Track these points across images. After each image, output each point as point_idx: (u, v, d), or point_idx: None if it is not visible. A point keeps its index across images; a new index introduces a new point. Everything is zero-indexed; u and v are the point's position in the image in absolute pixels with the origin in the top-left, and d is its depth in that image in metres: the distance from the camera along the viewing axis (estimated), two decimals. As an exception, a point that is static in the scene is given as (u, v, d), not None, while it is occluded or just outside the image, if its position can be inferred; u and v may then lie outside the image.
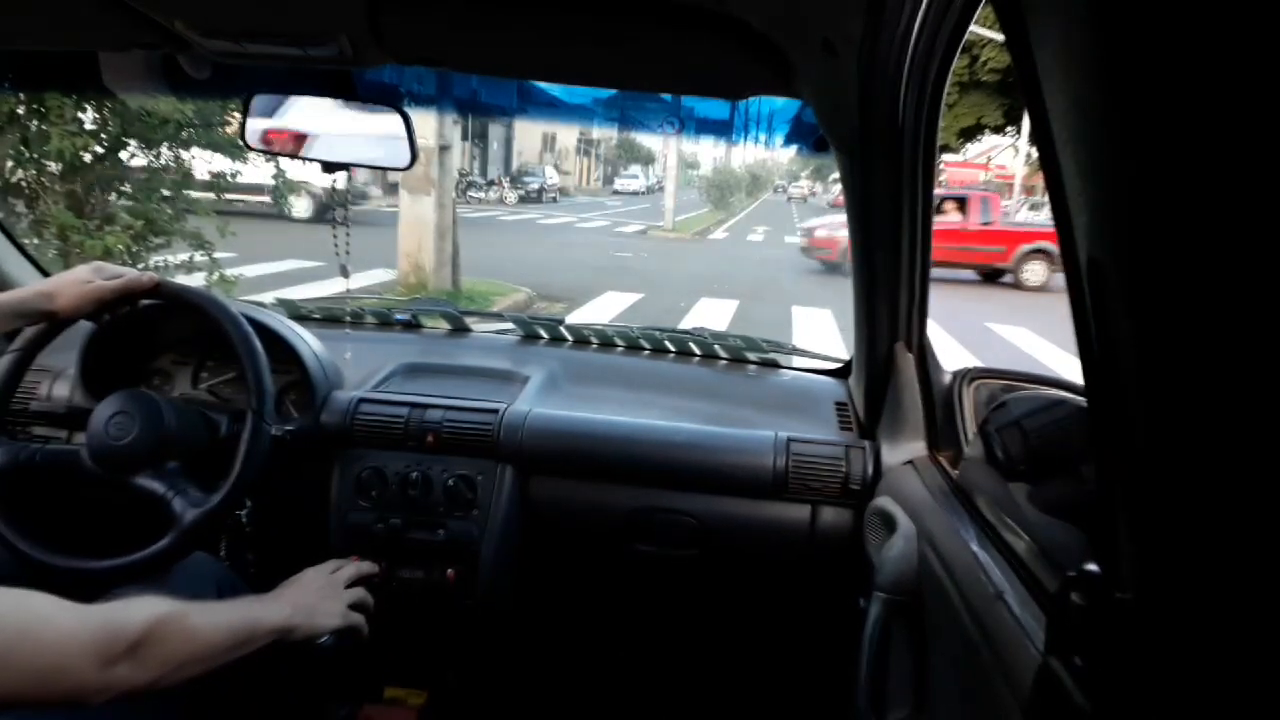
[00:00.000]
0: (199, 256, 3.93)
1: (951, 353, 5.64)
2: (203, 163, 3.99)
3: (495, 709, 1.47)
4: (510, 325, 1.63)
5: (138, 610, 0.73)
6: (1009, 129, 20.71)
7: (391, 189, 11.61)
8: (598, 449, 1.25)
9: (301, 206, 9.80)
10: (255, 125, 1.20)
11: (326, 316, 1.62)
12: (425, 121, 6.45)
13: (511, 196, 22.71)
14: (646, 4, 0.84)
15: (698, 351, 1.57)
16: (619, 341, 1.59)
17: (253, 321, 1.15)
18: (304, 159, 1.27)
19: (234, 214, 4.09)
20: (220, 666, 0.81)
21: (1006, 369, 1.14)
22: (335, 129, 1.21)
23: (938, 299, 1.14)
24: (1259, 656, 0.38)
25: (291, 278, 6.87)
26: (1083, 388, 0.45)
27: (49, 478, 1.11)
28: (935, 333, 1.17)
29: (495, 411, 1.26)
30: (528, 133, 30.56)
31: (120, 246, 3.56)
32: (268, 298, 1.68)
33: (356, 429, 1.25)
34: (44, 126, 3.41)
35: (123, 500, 1.06)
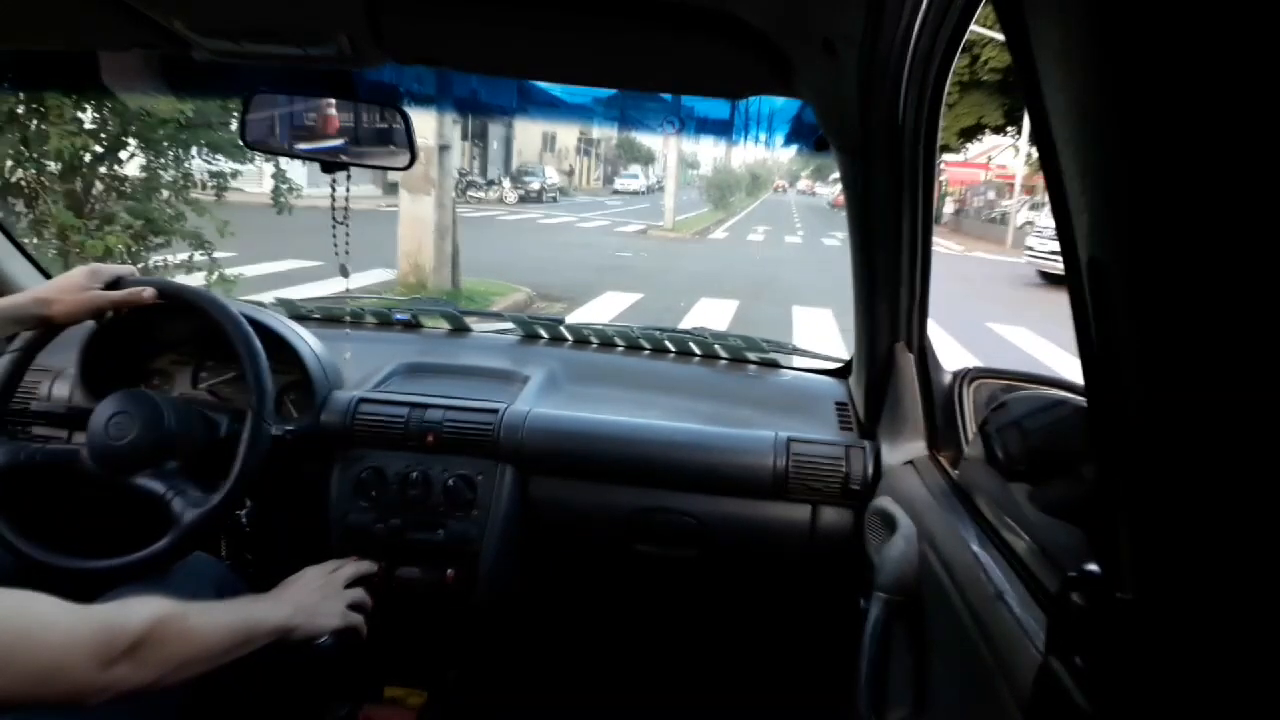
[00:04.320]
0: (199, 256, 3.93)
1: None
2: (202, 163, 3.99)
3: (495, 709, 1.47)
4: (510, 325, 1.63)
5: (137, 610, 0.73)
6: (1009, 129, 20.70)
7: (391, 189, 11.60)
8: (598, 449, 1.25)
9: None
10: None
11: (326, 316, 1.61)
12: (425, 121, 6.44)
13: (511, 196, 22.72)
14: (646, 4, 0.84)
15: (698, 351, 1.57)
16: (619, 341, 1.59)
17: (252, 321, 1.15)
18: (304, 158, 1.27)
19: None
20: (220, 666, 0.81)
21: (1007, 369, 1.14)
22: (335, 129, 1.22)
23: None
24: (1259, 656, 0.38)
25: (291, 277, 6.86)
26: (1083, 388, 0.45)
27: (49, 478, 1.11)
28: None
29: (495, 411, 1.26)
30: (527, 132, 30.56)
31: (120, 246, 3.56)
32: (267, 297, 1.68)
33: (356, 429, 1.25)
34: (43, 126, 3.41)
35: (122, 500, 1.06)
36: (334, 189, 1.26)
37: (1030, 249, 12.65)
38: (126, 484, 1.06)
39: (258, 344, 1.10)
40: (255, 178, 4.31)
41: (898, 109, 0.91)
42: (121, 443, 1.05)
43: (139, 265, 3.60)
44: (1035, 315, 8.19)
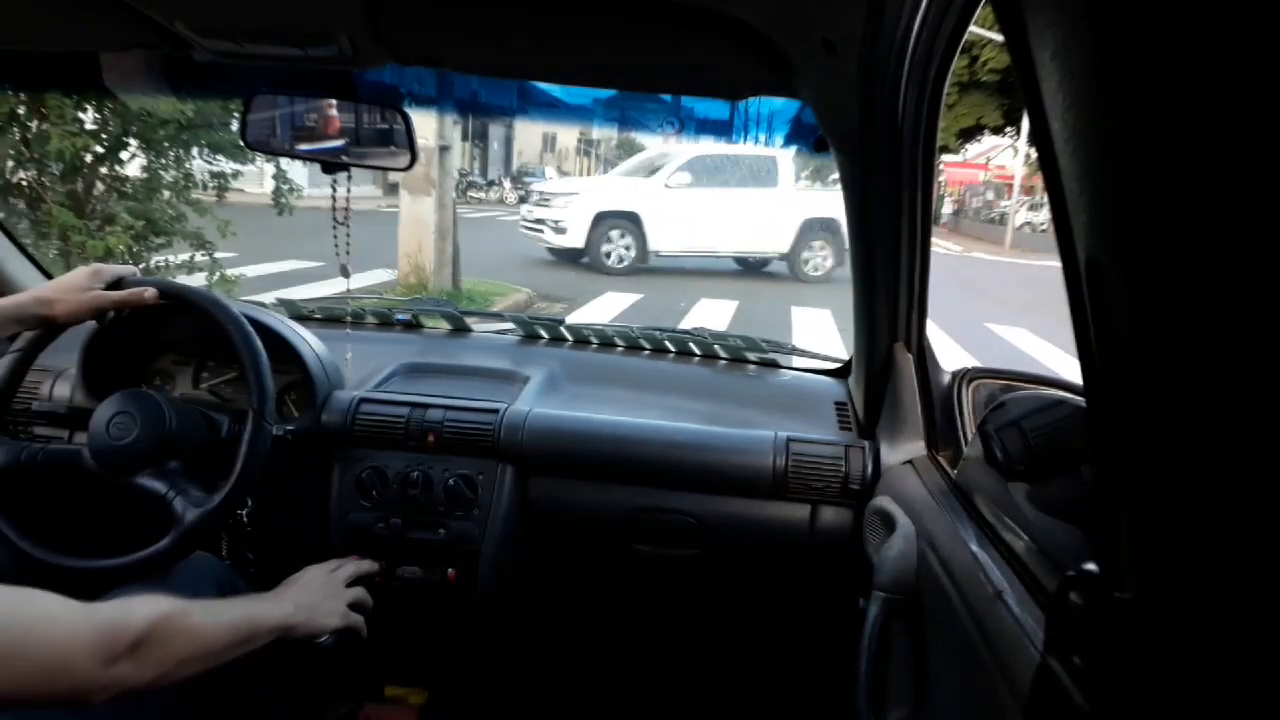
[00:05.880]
0: (200, 256, 3.94)
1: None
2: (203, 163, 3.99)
3: (496, 708, 1.47)
4: (510, 325, 1.63)
5: (139, 609, 0.73)
6: (1008, 129, 20.70)
7: (392, 189, 11.59)
8: (598, 449, 1.25)
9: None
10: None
11: (327, 316, 1.62)
12: (425, 122, 6.43)
13: (512, 197, 22.69)
14: (646, 4, 0.84)
15: (698, 351, 1.57)
16: (619, 341, 1.59)
17: (253, 321, 1.15)
18: (304, 159, 1.27)
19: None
20: (221, 665, 0.81)
21: (1006, 369, 1.14)
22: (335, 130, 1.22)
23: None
24: (1259, 656, 0.38)
25: (292, 278, 6.86)
26: (1082, 388, 0.45)
27: (51, 477, 1.11)
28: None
29: (496, 411, 1.26)
30: (528, 133, 30.49)
31: (121, 247, 3.57)
32: (268, 298, 1.68)
33: (357, 429, 1.25)
34: (44, 127, 3.41)
35: (124, 500, 1.06)
36: (334, 190, 1.26)
37: (523, 218, 10.28)
38: (128, 484, 1.06)
39: (259, 344, 1.11)
40: (256, 178, 4.30)
41: (897, 109, 0.91)
42: (123, 443, 1.05)
43: (140, 265, 3.60)
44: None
